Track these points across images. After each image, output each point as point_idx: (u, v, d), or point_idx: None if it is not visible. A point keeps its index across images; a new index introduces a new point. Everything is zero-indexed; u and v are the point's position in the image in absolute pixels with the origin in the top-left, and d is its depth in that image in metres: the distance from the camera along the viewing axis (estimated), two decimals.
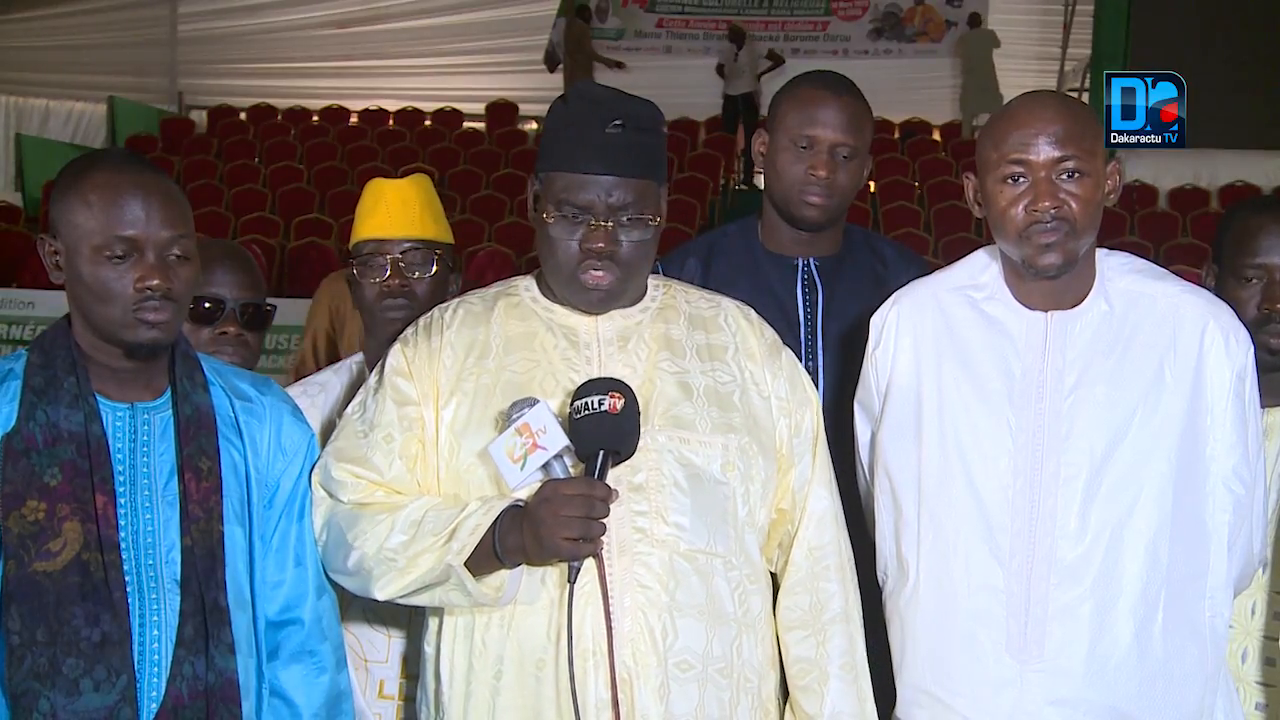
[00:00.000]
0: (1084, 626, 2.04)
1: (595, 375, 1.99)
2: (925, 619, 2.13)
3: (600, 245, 1.98)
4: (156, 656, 1.81)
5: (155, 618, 1.82)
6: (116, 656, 1.76)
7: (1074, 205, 2.04)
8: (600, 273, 2.00)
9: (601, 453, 1.88)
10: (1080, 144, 2.05)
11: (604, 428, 1.88)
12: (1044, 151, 2.04)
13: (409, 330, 2.14)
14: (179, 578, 1.84)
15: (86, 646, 1.75)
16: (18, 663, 1.74)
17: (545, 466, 1.90)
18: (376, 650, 2.31)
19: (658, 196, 2.05)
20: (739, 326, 2.15)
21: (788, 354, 2.18)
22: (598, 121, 1.99)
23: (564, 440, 1.89)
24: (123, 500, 1.83)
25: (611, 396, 1.89)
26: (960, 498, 2.11)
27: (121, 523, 1.82)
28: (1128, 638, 2.04)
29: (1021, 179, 2.06)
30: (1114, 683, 2.04)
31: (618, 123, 1.99)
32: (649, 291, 2.13)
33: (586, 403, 1.89)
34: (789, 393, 2.13)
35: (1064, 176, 2.04)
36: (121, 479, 1.84)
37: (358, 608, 2.29)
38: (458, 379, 2.04)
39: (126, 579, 1.80)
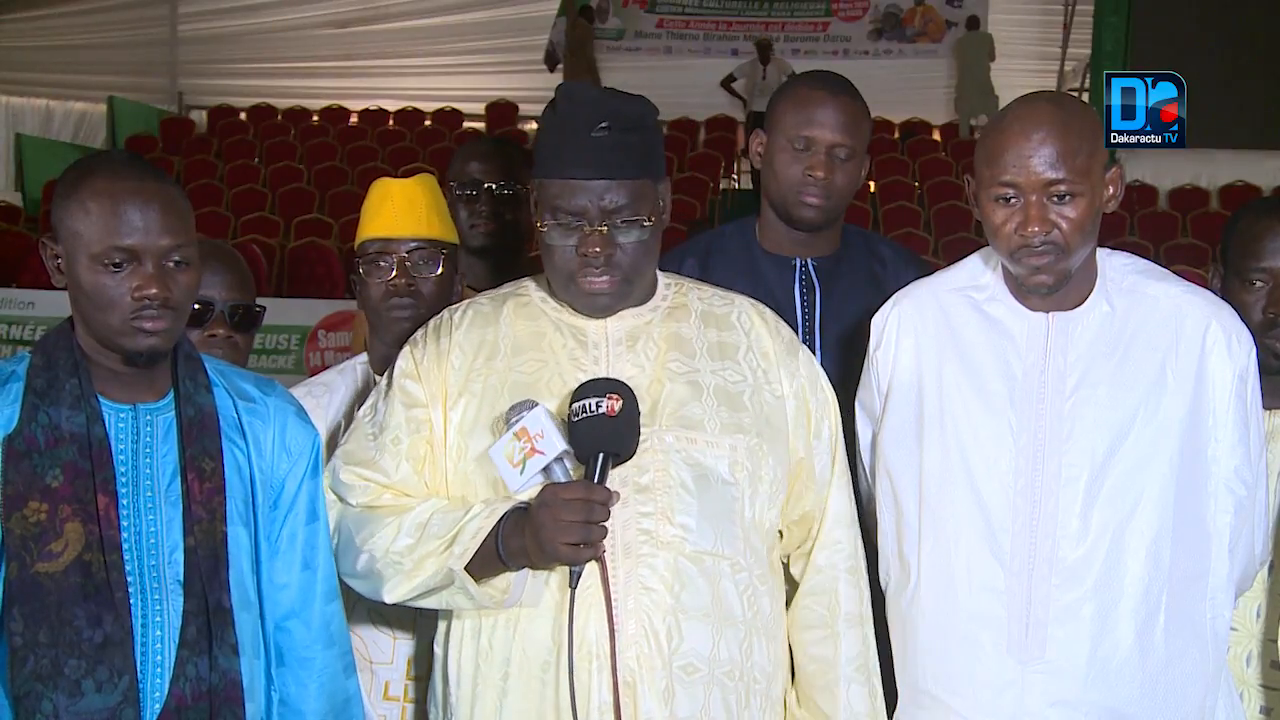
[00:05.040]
0: (1085, 628, 2.04)
1: (601, 376, 1.97)
2: (926, 620, 2.13)
3: (596, 250, 1.95)
4: (159, 657, 1.81)
5: (158, 618, 1.82)
6: (119, 657, 1.76)
7: (1064, 227, 2.01)
8: (600, 278, 1.97)
9: (600, 455, 1.86)
10: (1073, 163, 2.00)
11: (602, 430, 1.86)
12: (1035, 174, 2.00)
13: (419, 332, 2.13)
14: (182, 578, 1.83)
15: (88, 647, 1.75)
16: (20, 664, 1.74)
17: (546, 470, 1.89)
18: (381, 652, 2.31)
19: (655, 194, 2.01)
20: (753, 325, 2.12)
21: (805, 353, 2.16)
22: (584, 124, 1.95)
23: (562, 444, 1.88)
24: (125, 501, 1.83)
25: (609, 398, 1.87)
26: (961, 499, 2.10)
27: (124, 523, 1.81)
28: (1129, 639, 2.04)
29: (1013, 199, 2.03)
30: (1115, 684, 2.04)
31: (604, 125, 1.94)
32: (660, 290, 2.11)
33: (584, 405, 1.87)
34: (808, 393, 2.11)
35: (1054, 199, 2.01)
36: (123, 480, 1.84)
37: (363, 609, 2.29)
38: (466, 380, 2.03)
39: (129, 580, 1.80)
